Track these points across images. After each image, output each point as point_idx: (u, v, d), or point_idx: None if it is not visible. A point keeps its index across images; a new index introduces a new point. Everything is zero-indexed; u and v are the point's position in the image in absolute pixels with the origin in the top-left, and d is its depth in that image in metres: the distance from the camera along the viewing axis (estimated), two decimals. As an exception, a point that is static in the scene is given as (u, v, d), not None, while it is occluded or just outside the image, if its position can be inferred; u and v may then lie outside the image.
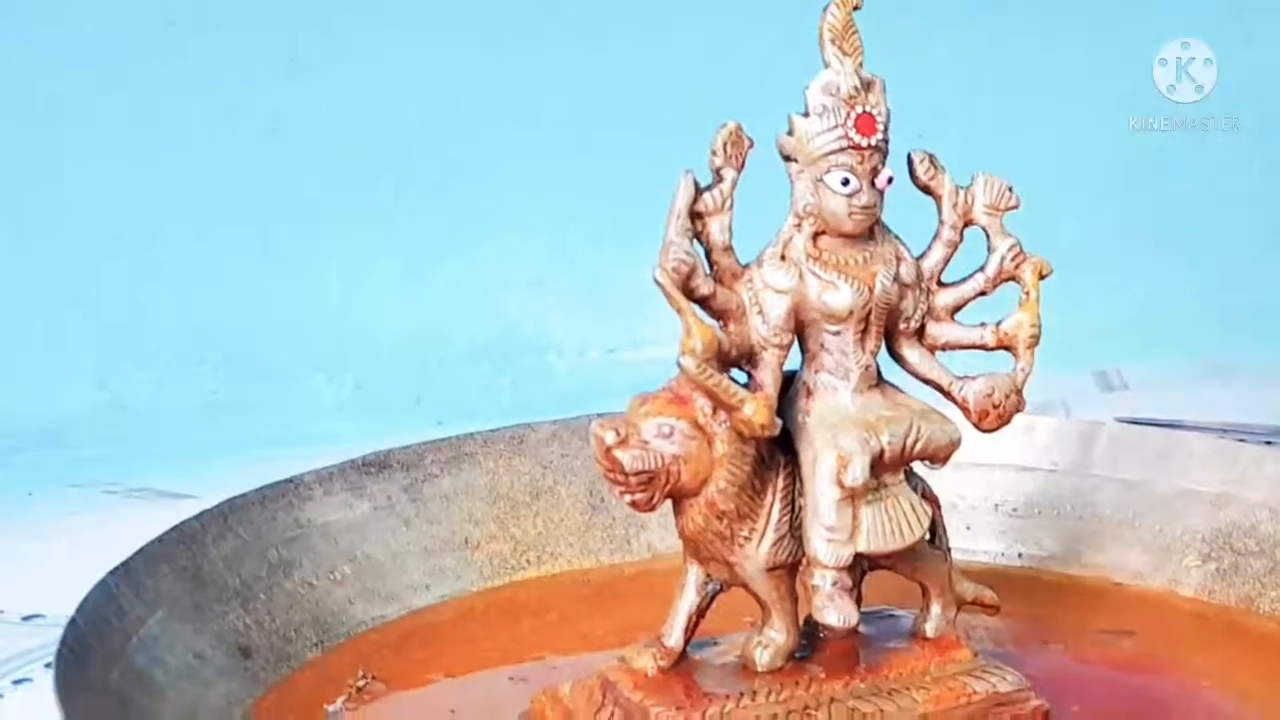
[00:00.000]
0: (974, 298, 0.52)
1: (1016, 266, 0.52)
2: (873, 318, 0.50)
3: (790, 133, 0.49)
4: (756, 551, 0.50)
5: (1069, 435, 0.69)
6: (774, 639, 0.51)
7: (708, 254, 0.49)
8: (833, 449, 0.49)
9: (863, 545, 0.49)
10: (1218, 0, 1.08)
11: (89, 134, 0.98)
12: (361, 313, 1.03)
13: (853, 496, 0.49)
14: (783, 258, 0.50)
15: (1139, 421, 0.84)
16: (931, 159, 0.52)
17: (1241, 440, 0.75)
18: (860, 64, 0.50)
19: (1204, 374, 1.03)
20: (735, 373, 0.49)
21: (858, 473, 0.48)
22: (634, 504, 0.49)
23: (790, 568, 0.51)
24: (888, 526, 0.50)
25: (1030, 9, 1.10)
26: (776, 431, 0.49)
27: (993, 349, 0.52)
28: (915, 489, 0.52)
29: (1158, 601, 0.64)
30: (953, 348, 0.52)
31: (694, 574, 0.52)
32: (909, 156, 0.52)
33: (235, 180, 1.01)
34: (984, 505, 0.68)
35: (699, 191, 0.49)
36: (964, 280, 0.52)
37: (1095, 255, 1.08)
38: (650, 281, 0.48)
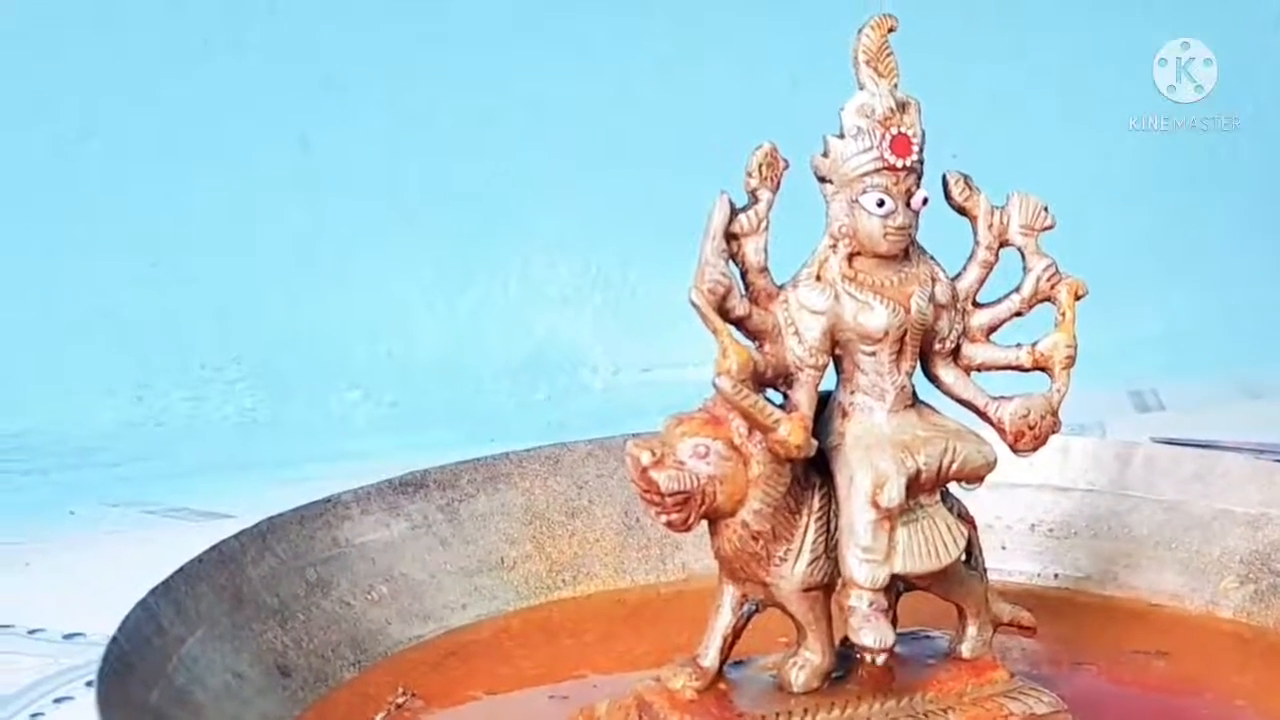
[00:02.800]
0: (1009, 318, 0.52)
1: (1052, 287, 0.52)
2: (908, 338, 0.50)
3: (825, 154, 0.49)
4: (792, 572, 0.50)
5: (1105, 456, 0.69)
6: (810, 660, 0.51)
7: (743, 275, 0.49)
8: (868, 470, 0.49)
9: (898, 566, 0.49)
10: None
11: (123, 151, 0.99)
12: (397, 329, 1.04)
13: (888, 517, 0.49)
14: (818, 278, 0.50)
15: (1175, 442, 0.83)
16: (966, 180, 0.52)
17: (1279, 460, 0.75)
18: (895, 85, 0.50)
19: (1240, 393, 1.03)
20: (770, 393, 0.50)
21: (893, 493, 0.48)
22: (670, 524, 0.49)
23: (826, 588, 0.51)
24: (924, 547, 0.50)
25: (1050, 28, 1.10)
26: (812, 452, 0.49)
27: (1028, 370, 0.52)
28: (951, 510, 0.52)
29: (1195, 623, 0.63)
30: (988, 368, 0.52)
31: (729, 594, 0.52)
32: (944, 177, 0.52)
33: (270, 197, 1.02)
34: (1020, 526, 0.68)
35: (734, 212, 0.49)
36: (999, 301, 0.52)
37: (1131, 274, 1.08)
38: (686, 301, 0.48)
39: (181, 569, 0.56)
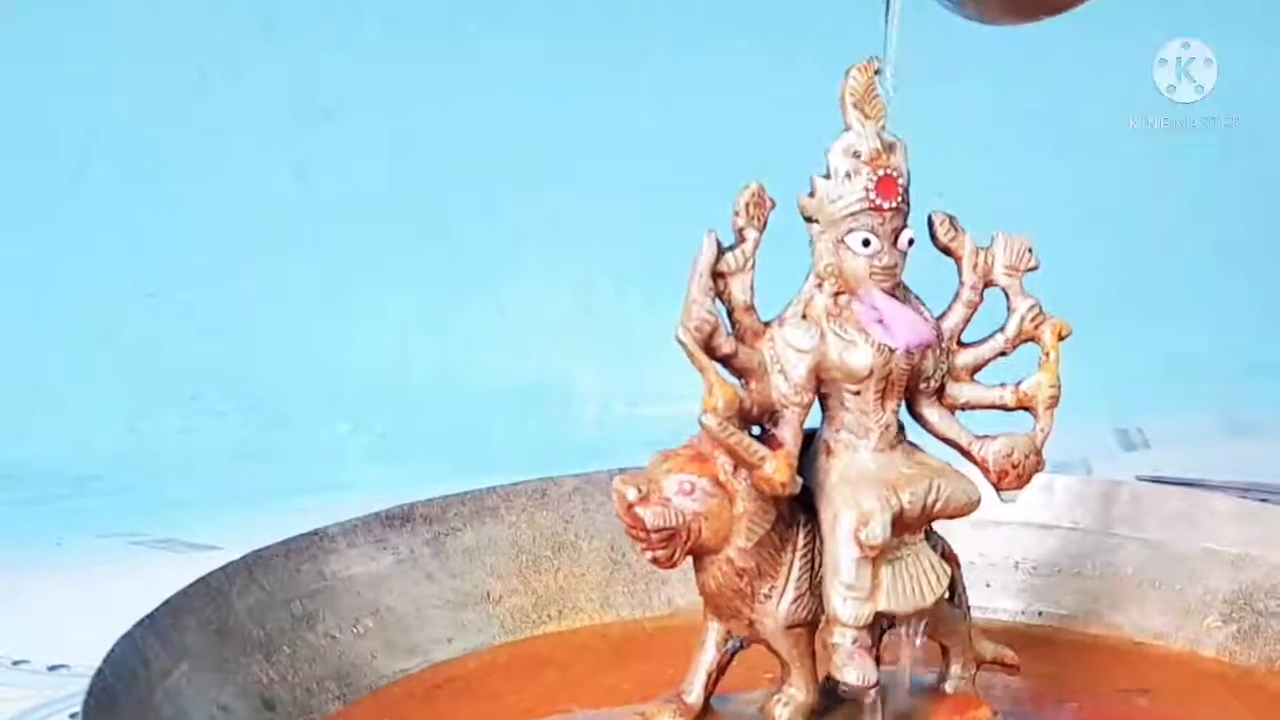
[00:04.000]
0: (994, 358, 0.53)
1: (1036, 327, 0.52)
2: (893, 377, 0.50)
3: (812, 194, 0.50)
4: (777, 609, 0.50)
5: (1089, 494, 0.69)
6: (794, 696, 0.51)
7: (730, 313, 0.50)
8: (853, 507, 0.49)
9: (882, 604, 0.49)
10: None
11: (118, 180, 1.00)
12: (388, 360, 1.04)
13: (873, 555, 0.49)
14: (804, 317, 0.50)
15: (1160, 480, 0.84)
16: (951, 220, 0.52)
17: (1264, 499, 0.75)
18: (882, 126, 0.50)
19: (1227, 430, 1.03)
20: (756, 430, 0.50)
21: (877, 531, 0.49)
22: (655, 560, 0.49)
23: (810, 625, 0.51)
24: (907, 585, 0.50)
25: (1039, 72, 1.11)
26: (797, 489, 0.49)
27: (1012, 409, 0.52)
28: (935, 548, 0.52)
29: (1179, 662, 0.64)
30: (973, 407, 0.53)
31: (714, 631, 0.52)
32: (929, 218, 0.52)
33: (266, 227, 1.02)
34: (1004, 563, 0.68)
35: (721, 251, 0.49)
36: (984, 340, 0.53)
37: (1118, 310, 1.08)
38: (674, 337, 0.48)
39: (167, 601, 0.57)
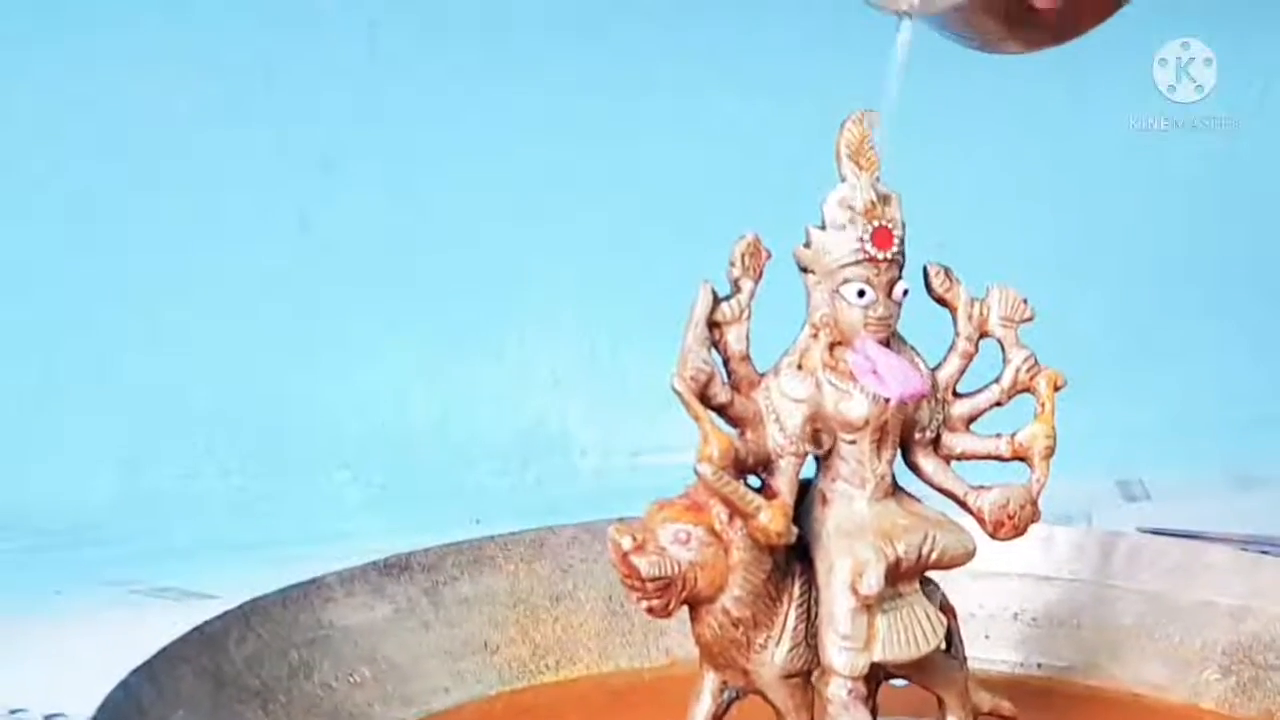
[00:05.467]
0: (989, 408, 0.53)
1: (1031, 378, 0.52)
2: (889, 427, 0.51)
3: (807, 245, 0.50)
4: (772, 659, 0.50)
5: (1088, 545, 0.69)
6: (790, 747, 0.51)
7: (725, 363, 0.50)
8: (848, 557, 0.49)
9: (878, 654, 0.49)
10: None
11: (118, 229, 1.00)
12: (387, 409, 1.04)
13: (868, 605, 0.49)
14: (799, 367, 0.51)
15: (1160, 532, 0.84)
16: (947, 272, 0.53)
17: (1264, 552, 0.75)
18: (877, 178, 0.51)
19: (1229, 483, 1.03)
20: (753, 480, 0.50)
21: (873, 581, 0.49)
22: (650, 610, 0.49)
23: (806, 675, 0.51)
24: (903, 635, 0.50)
25: (1038, 122, 1.11)
26: (793, 539, 0.49)
27: (1008, 459, 0.53)
28: (932, 598, 0.52)
29: (1177, 714, 0.63)
30: (968, 458, 0.53)
31: (710, 681, 0.52)
32: (925, 269, 0.52)
33: (268, 275, 1.02)
34: (1003, 614, 0.68)
35: (717, 301, 0.50)
36: (979, 391, 0.53)
37: (1120, 360, 1.08)
38: (670, 386, 0.49)
39: (164, 649, 0.56)
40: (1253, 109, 1.12)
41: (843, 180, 0.50)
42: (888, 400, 0.50)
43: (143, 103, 1.00)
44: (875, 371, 0.49)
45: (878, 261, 0.50)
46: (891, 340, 0.51)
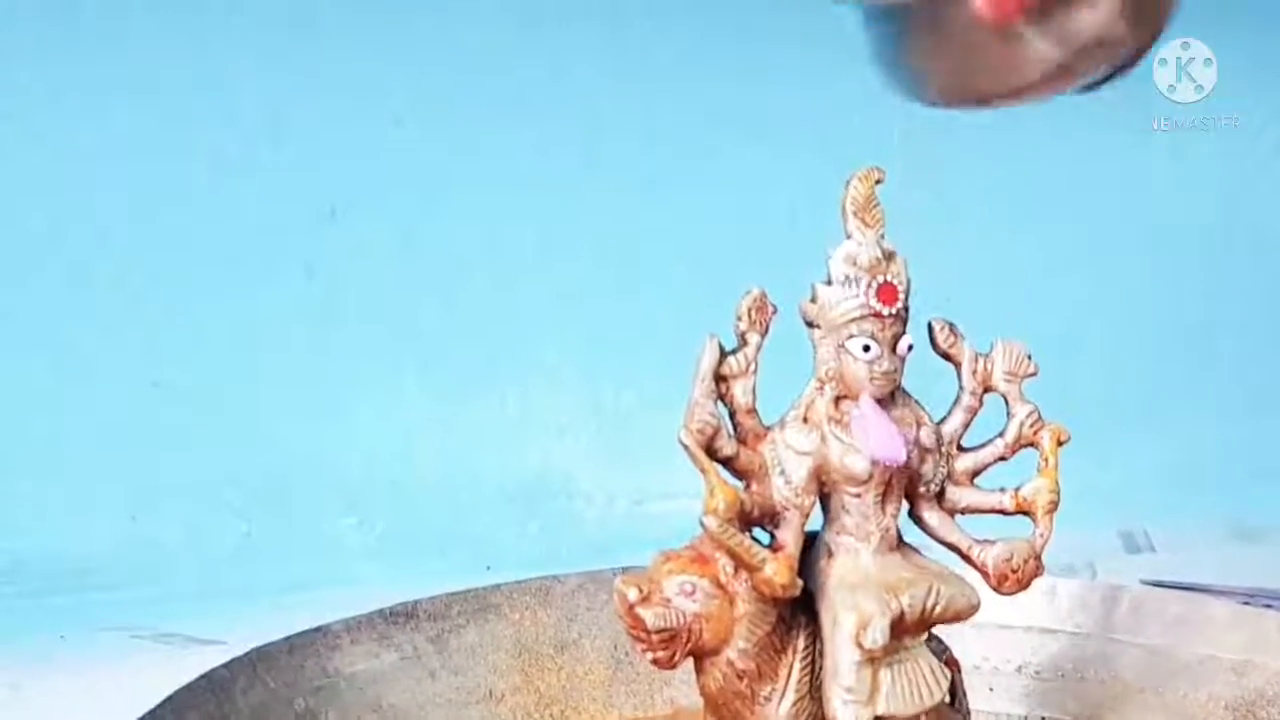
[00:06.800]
0: (993, 463, 0.53)
1: (1035, 433, 0.53)
2: (893, 481, 0.51)
3: (813, 300, 0.51)
4: (777, 712, 0.51)
5: (1091, 598, 0.69)
6: (794, 800, 0.51)
7: (731, 415, 0.51)
8: (853, 610, 0.50)
9: (881, 707, 0.49)
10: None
11: (124, 275, 1.00)
12: (392, 456, 1.04)
13: (872, 658, 0.49)
14: (805, 420, 0.51)
15: (1164, 584, 0.84)
16: (951, 327, 0.53)
17: (1267, 606, 0.75)
18: (882, 235, 0.51)
19: (1232, 535, 1.03)
20: (758, 532, 0.50)
21: (877, 635, 0.49)
22: (655, 661, 0.50)
23: (811, 728, 0.51)
24: (907, 689, 0.50)
25: (1039, 177, 1.12)
26: (797, 592, 0.49)
27: (1012, 514, 0.53)
28: (936, 652, 0.52)
29: (1180, 768, 0.63)
30: (972, 511, 0.53)
31: (714, 733, 0.52)
32: (929, 324, 0.53)
33: (273, 323, 1.03)
34: (1007, 667, 0.68)
35: (723, 355, 0.50)
36: (983, 445, 0.53)
37: (1123, 412, 1.09)
38: (677, 439, 0.49)
39: (170, 697, 0.57)
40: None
41: (848, 237, 0.51)
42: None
43: (148, 154, 1.00)
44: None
45: (882, 317, 0.50)
46: (896, 394, 0.51)
